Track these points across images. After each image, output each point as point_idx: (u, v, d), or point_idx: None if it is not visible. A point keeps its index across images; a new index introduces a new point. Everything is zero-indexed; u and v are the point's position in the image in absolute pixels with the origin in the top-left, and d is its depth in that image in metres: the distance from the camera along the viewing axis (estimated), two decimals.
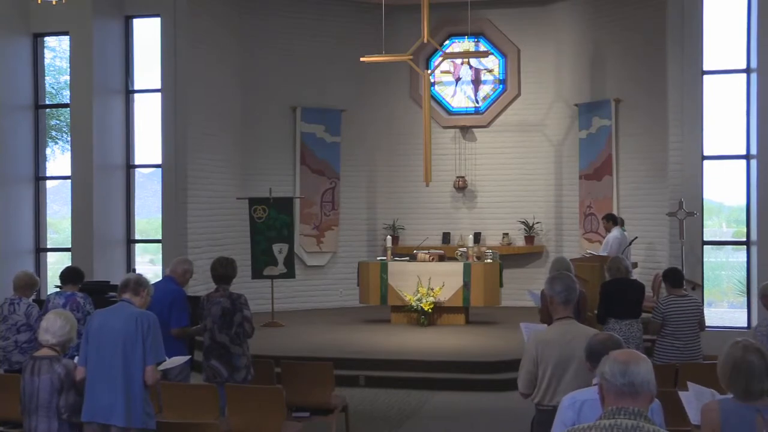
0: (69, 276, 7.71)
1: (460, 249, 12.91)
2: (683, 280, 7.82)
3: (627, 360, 3.00)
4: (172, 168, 12.38)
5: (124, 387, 5.06)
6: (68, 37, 12.40)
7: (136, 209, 13.19)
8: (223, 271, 6.87)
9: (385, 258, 12.96)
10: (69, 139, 12.72)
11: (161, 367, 5.42)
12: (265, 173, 14.10)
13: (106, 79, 12.45)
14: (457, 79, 15.27)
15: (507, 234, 14.56)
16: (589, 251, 13.05)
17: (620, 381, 2.95)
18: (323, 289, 14.58)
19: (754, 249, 11.60)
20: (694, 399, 4.70)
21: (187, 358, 6.49)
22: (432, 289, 12.10)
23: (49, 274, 12.84)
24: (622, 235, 11.46)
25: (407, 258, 12.89)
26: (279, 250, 12.65)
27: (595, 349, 4.00)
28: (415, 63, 13.70)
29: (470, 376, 9.76)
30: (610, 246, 11.21)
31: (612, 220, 11.65)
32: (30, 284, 7.64)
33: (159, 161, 12.64)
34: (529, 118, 14.80)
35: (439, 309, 12.22)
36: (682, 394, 4.80)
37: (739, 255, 12.46)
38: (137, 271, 9.92)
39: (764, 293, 6.78)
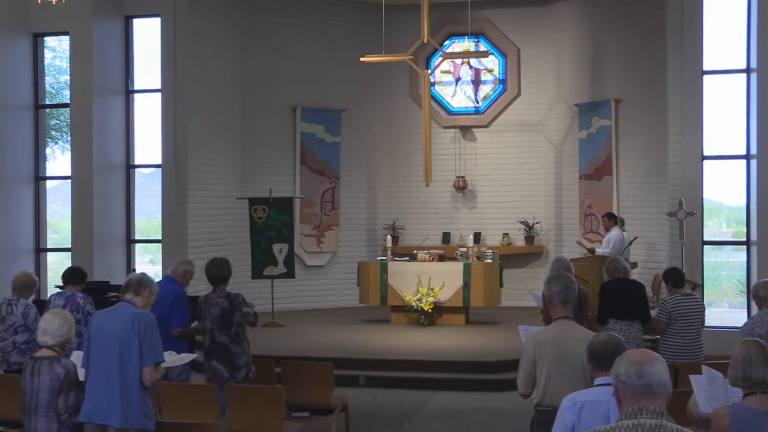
0: (71, 276, 7.70)
1: (460, 249, 12.91)
2: (684, 279, 7.82)
3: (642, 361, 2.99)
4: (172, 168, 12.38)
5: (120, 387, 5.05)
6: (68, 37, 12.39)
7: (136, 209, 13.19)
8: (218, 271, 6.89)
9: (385, 258, 12.95)
10: (69, 139, 12.72)
11: (165, 364, 5.42)
12: (265, 173, 14.10)
13: (106, 79, 12.44)
14: (457, 79, 15.27)
15: (507, 234, 14.55)
16: (578, 241, 13.08)
17: (636, 382, 2.93)
18: (323, 289, 14.58)
19: (754, 249, 11.61)
20: (706, 384, 4.64)
21: (193, 356, 6.49)
22: (432, 289, 12.10)
23: (49, 274, 12.84)
24: (623, 235, 11.47)
25: (407, 258, 12.89)
26: (279, 250, 12.65)
27: (596, 350, 4.00)
28: (415, 63, 13.70)
29: (470, 376, 9.76)
30: (612, 245, 11.19)
31: (613, 219, 11.66)
32: (29, 285, 7.63)
33: (159, 161, 12.64)
34: (529, 118, 14.80)
35: (439, 309, 12.21)
36: (693, 379, 4.74)
37: (739, 255, 12.46)
38: (140, 271, 9.91)
39: (756, 292, 6.80)
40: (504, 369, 9.57)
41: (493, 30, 14.97)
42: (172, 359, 5.95)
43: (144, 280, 5.43)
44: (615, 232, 11.40)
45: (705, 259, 11.93)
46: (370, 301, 12.64)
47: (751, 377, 3.91)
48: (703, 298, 11.44)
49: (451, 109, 15.26)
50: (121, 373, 5.06)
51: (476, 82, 15.22)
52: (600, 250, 11.33)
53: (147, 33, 13.03)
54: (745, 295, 11.77)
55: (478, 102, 15.18)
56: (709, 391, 4.49)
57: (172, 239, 12.31)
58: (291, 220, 12.92)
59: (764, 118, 11.39)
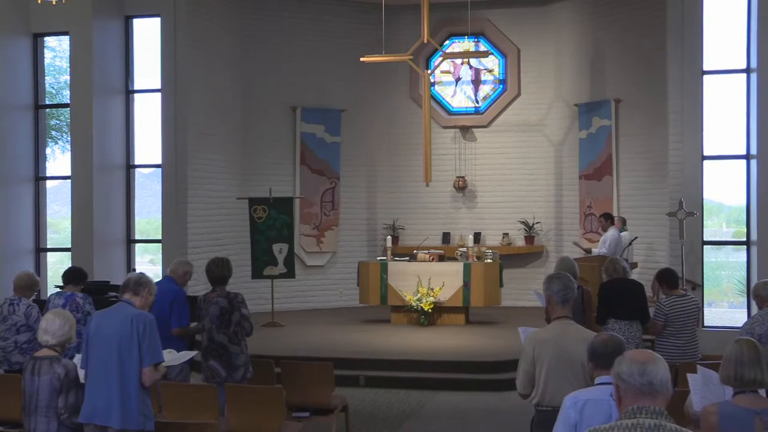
0: (71, 276, 7.71)
1: (460, 249, 12.91)
2: (678, 279, 7.82)
3: (644, 360, 2.99)
4: (172, 168, 12.38)
5: (119, 388, 5.03)
6: (68, 37, 12.39)
7: (136, 209, 13.19)
8: (219, 272, 6.88)
9: (385, 258, 12.95)
10: (69, 139, 12.72)
11: (166, 363, 5.41)
12: (265, 173, 14.10)
13: (106, 79, 12.45)
14: (457, 79, 15.27)
15: (507, 234, 14.55)
16: (575, 242, 13.10)
17: (639, 381, 2.94)
18: (323, 289, 14.58)
19: (754, 249, 11.61)
20: (701, 384, 4.65)
21: (193, 353, 6.49)
22: (432, 289, 12.09)
23: (50, 274, 12.84)
24: (619, 235, 11.47)
25: (407, 258, 12.89)
26: (279, 250, 12.66)
27: (597, 350, 4.00)
28: (415, 63, 13.70)
29: (470, 376, 9.76)
30: (607, 245, 11.22)
31: (609, 219, 11.66)
32: (30, 285, 7.63)
33: (159, 161, 12.64)
34: (529, 118, 14.80)
35: (439, 309, 12.21)
36: (690, 378, 4.75)
37: (739, 255, 12.46)
38: (139, 271, 9.94)
39: (757, 292, 6.80)
40: (504, 369, 9.57)
41: (493, 30, 14.97)
42: (172, 357, 5.95)
43: (142, 280, 5.40)
44: (611, 232, 11.41)
45: (705, 259, 11.92)
46: (370, 301, 12.64)
47: (743, 376, 3.92)
48: (703, 298, 11.46)
49: (451, 109, 15.26)
50: (120, 374, 5.05)
51: (476, 82, 15.22)
52: (596, 251, 11.36)
53: (147, 33, 13.04)
54: (745, 295, 11.76)
55: (478, 102, 15.18)
56: (704, 391, 4.50)
57: (172, 239, 12.32)
58: (291, 220, 12.93)
59: (764, 118, 11.39)
